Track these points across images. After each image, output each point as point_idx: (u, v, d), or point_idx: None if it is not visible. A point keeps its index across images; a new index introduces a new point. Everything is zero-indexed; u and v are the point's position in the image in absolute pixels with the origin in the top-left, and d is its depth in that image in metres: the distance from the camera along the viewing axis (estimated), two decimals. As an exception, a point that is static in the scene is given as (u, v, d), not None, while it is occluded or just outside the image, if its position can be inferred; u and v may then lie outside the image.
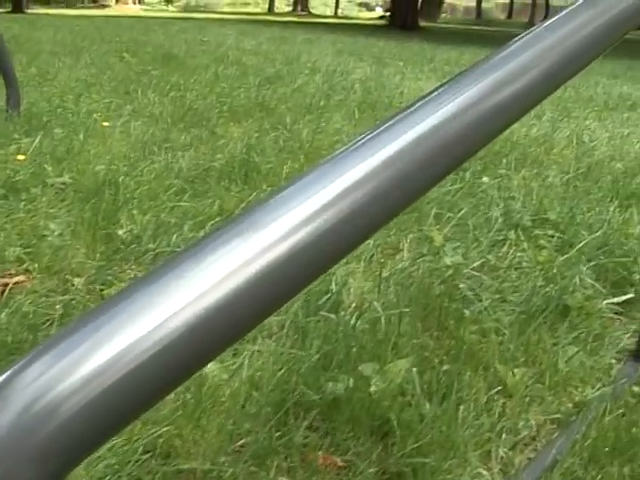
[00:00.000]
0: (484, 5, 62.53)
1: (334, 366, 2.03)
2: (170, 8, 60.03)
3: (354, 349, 2.10)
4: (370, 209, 0.57)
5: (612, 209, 3.66)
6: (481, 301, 2.49)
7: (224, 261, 0.49)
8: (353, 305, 2.48)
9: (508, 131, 5.03)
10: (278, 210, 0.53)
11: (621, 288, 2.75)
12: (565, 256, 2.91)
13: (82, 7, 49.34)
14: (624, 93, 9.04)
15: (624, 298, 2.66)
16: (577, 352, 2.19)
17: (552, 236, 3.20)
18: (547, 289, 2.61)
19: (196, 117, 5.53)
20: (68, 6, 48.80)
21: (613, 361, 2.28)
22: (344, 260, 2.84)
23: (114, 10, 45.31)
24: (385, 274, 2.73)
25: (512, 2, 60.41)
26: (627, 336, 2.43)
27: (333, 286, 2.51)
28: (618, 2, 0.95)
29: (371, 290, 2.60)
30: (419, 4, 34.35)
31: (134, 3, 56.07)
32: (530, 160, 4.63)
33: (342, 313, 2.39)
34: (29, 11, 33.70)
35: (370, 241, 3.03)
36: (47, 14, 29.88)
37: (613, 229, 3.30)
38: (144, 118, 5.43)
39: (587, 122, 6.58)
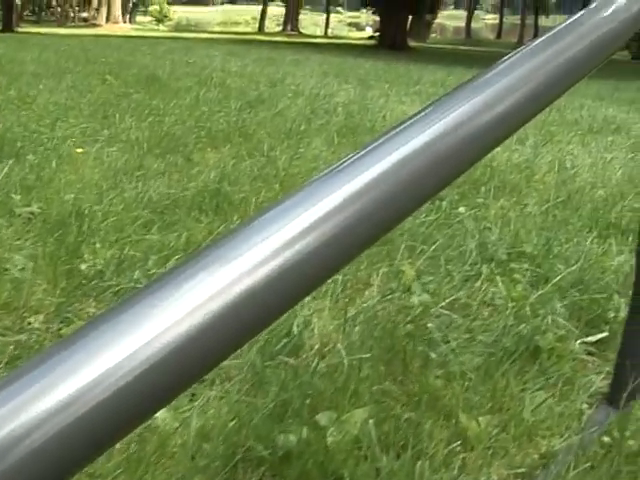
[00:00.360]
0: (474, 25, 62.75)
1: (290, 415, 1.94)
2: (161, 27, 60.08)
3: (312, 397, 2.01)
4: (342, 240, 0.54)
5: (590, 240, 3.59)
6: (449, 342, 2.40)
7: (188, 296, 0.46)
8: (316, 347, 2.39)
9: (489, 157, 4.97)
10: (246, 242, 0.50)
11: (596, 326, 2.66)
12: (539, 292, 2.83)
13: (73, 26, 49.31)
14: (609, 116, 8.99)
15: (598, 337, 2.58)
16: (546, 399, 2.10)
17: (527, 270, 3.12)
18: (519, 328, 2.52)
19: (173, 143, 5.45)
20: (59, 25, 48.81)
21: (584, 406, 2.19)
22: (311, 296, 2.76)
23: (105, 29, 45.26)
24: (352, 312, 2.64)
25: (501, 22, 60.66)
26: (600, 378, 2.35)
27: (295, 328, 2.42)
28: (602, 25, 0.91)
29: (337, 330, 2.51)
30: (408, 24, 34.41)
31: (125, 22, 56.12)
32: (510, 188, 4.55)
33: (304, 355, 2.31)
34: (20, 30, 33.63)
35: (339, 276, 2.94)
36: (38, 33, 29.82)
37: (590, 262, 3.22)
38: (120, 144, 5.35)
39: (570, 146, 6.53)
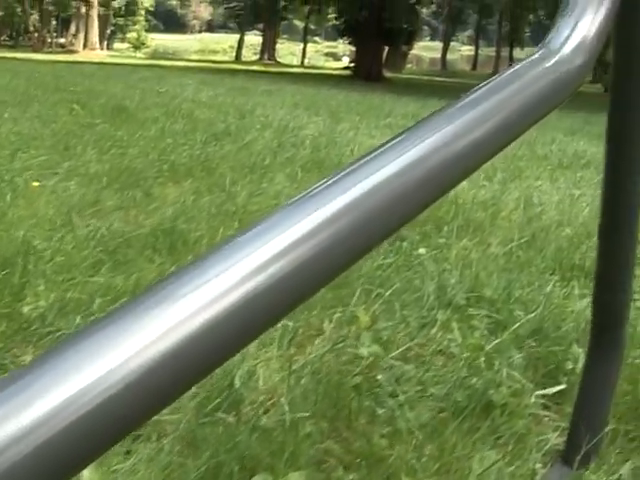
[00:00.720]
0: (449, 57, 63.20)
1: (222, 479, 1.83)
2: (138, 55, 60.14)
3: (248, 458, 1.90)
4: (294, 280, 0.51)
5: (553, 283, 3.51)
6: (398, 396, 2.30)
7: (132, 336, 0.44)
8: (259, 400, 2.28)
9: (454, 194, 4.89)
10: (195, 281, 0.48)
11: (553, 378, 2.57)
12: (496, 341, 2.73)
13: (50, 52, 49.18)
14: (579, 150, 8.99)
15: (555, 390, 2.48)
16: (495, 462, 1.99)
17: (486, 316, 3.02)
18: (472, 381, 2.42)
19: (133, 176, 5.34)
20: (36, 50, 48.67)
21: (538, 466, 2.09)
22: (257, 344, 2.65)
23: (81, 56, 45.18)
24: (301, 362, 2.54)
25: (477, 54, 61.15)
26: (556, 435, 2.25)
27: (237, 380, 2.31)
28: (543, 77, 0.84)
29: (282, 382, 2.40)
30: (384, 55, 34.57)
31: (102, 49, 56.10)
32: (474, 226, 4.47)
33: (245, 410, 2.19)
34: (-4, 54, 33.46)
35: (290, 322, 2.84)
36: (14, 58, 29.59)
37: (551, 308, 3.14)
38: (79, 177, 5.23)
39: (539, 182, 6.48)
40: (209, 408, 2.15)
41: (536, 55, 0.93)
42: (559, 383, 2.52)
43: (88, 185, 4.99)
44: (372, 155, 0.63)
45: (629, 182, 1.78)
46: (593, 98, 28.00)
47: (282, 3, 50.13)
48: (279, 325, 2.83)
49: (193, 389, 2.28)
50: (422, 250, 3.78)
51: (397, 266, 3.53)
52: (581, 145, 9.63)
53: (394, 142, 0.66)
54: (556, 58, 0.93)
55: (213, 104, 11.35)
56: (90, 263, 3.39)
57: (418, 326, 2.89)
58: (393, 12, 31.72)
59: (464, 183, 5.85)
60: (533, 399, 2.39)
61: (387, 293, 3.16)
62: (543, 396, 2.45)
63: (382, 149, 0.64)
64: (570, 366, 2.58)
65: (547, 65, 0.91)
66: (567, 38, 0.94)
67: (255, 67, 39.15)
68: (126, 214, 4.37)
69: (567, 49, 0.93)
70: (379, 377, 2.42)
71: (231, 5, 56.48)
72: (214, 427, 2.07)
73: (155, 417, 1.72)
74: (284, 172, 5.77)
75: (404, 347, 2.69)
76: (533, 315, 2.97)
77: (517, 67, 0.91)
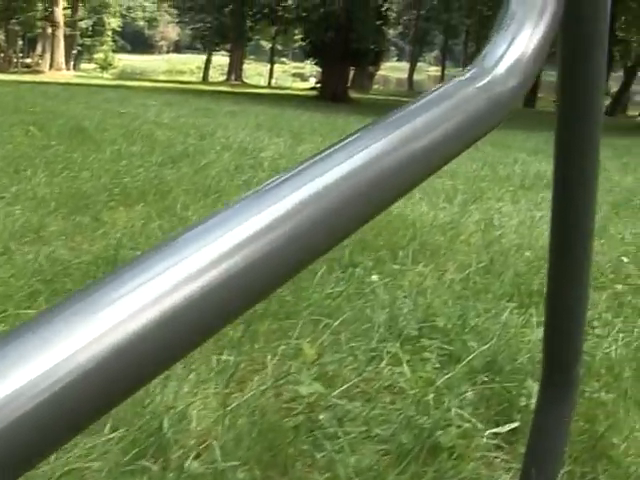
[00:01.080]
0: (416, 77, 63.41)
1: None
2: (105, 75, 59.87)
3: (171, 514, 1.74)
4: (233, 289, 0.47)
5: (510, 310, 3.39)
6: (339, 438, 2.15)
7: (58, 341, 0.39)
8: (190, 444, 2.12)
9: (412, 217, 4.77)
10: (134, 280, 0.43)
11: (506, 415, 2.44)
12: (447, 376, 2.60)
13: (16, 72, 48.76)
14: (542, 171, 8.92)
15: (508, 428, 2.35)
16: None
17: (438, 347, 2.89)
18: (420, 420, 2.28)
19: (83, 200, 5.17)
20: (1, 71, 48.23)
21: (486, 513, 1.95)
22: (194, 381, 2.50)
23: (47, 76, 44.84)
24: (240, 400, 2.39)
25: (443, 74, 61.41)
26: (508, 478, 2.12)
27: (166, 422, 2.15)
28: (504, 79, 0.75)
29: (217, 424, 2.25)
30: (350, 76, 34.60)
31: (68, 69, 55.75)
32: (431, 251, 4.35)
33: (174, 456, 2.04)
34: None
35: (230, 357, 2.69)
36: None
37: (506, 337, 3.01)
38: (26, 202, 5.05)
39: (500, 204, 6.39)
40: (133, 454, 2.00)
41: (467, 74, 0.80)
42: (512, 421, 2.39)
43: (34, 210, 4.81)
44: (272, 184, 0.56)
45: (580, 205, 1.63)
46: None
47: (248, 24, 50.17)
48: (220, 359, 2.69)
49: (119, 432, 2.13)
50: (375, 277, 3.64)
51: (348, 294, 3.39)
52: (543, 165, 9.57)
53: (302, 167, 0.59)
54: (488, 78, 0.80)
55: (174, 125, 11.19)
56: (26, 294, 3.22)
57: (366, 359, 2.75)
58: (360, 33, 31.77)
59: (424, 206, 5.75)
60: (484, 439, 2.26)
61: (336, 323, 3.02)
62: (495, 435, 2.31)
63: (288, 175, 0.57)
64: (524, 402, 2.45)
65: (478, 85, 0.79)
66: (502, 56, 0.82)
67: (222, 88, 39.02)
68: (70, 240, 4.20)
69: (501, 68, 0.80)
70: (321, 417, 2.27)
71: (196, 26, 56.40)
72: (139, 476, 1.91)
73: (78, 463, 1.52)
74: (239, 195, 5.61)
75: (350, 383, 2.55)
76: (487, 347, 2.84)
77: (444, 87, 0.78)
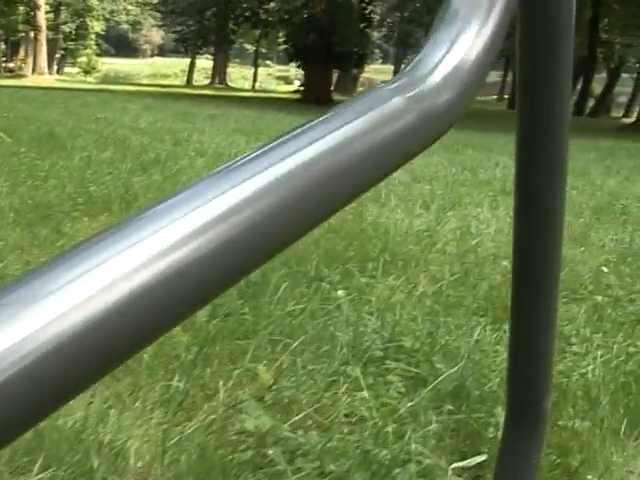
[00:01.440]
0: (401, 79, 63.07)
1: None
2: (88, 79, 59.53)
3: None
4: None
5: (482, 327, 3.21)
6: (288, 478, 1.97)
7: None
8: (126, 485, 1.94)
9: (384, 225, 4.59)
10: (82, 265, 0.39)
11: (474, 446, 2.26)
12: (411, 403, 2.42)
13: (1, 77, 48.38)
14: (523, 176, 8.77)
15: (475, 462, 2.17)
16: None
17: (404, 370, 2.71)
18: (378, 455, 2.10)
19: (45, 211, 4.96)
20: (-18, 75, 47.89)
21: None
22: (138, 411, 2.32)
23: (29, 80, 44.49)
24: (185, 433, 2.20)
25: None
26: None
27: (96, 462, 1.97)
28: (438, 89, 0.61)
29: (158, 460, 2.06)
30: (334, 79, 34.46)
31: (50, 74, 55.40)
32: (403, 262, 4.17)
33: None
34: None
35: (180, 383, 2.51)
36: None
37: (477, 358, 2.84)
38: (-16, 212, 4.85)
39: (478, 210, 6.22)
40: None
41: (394, 83, 0.63)
42: (479, 453, 2.21)
43: (-9, 221, 4.62)
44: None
45: (545, 225, 1.43)
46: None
47: (231, 27, 49.95)
48: (168, 385, 2.51)
49: (49, 471, 1.95)
50: (341, 292, 3.46)
51: (311, 311, 3.21)
52: (526, 169, 9.42)
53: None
54: (419, 88, 0.63)
55: (150, 130, 10.99)
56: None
57: (326, 384, 2.57)
58: (342, 36, 31.61)
59: (399, 213, 5.58)
60: (449, 475, 2.08)
61: (296, 343, 2.84)
62: (462, 469, 2.14)
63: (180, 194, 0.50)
64: (492, 433, 2.27)
65: (405, 96, 0.61)
66: (438, 62, 0.64)
67: (205, 91, 38.82)
68: (27, 254, 4.01)
69: (436, 77, 0.63)
70: (271, 452, 2.09)
71: (179, 29, 56.13)
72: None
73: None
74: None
75: (306, 411, 2.36)
76: (455, 369, 2.66)
77: (363, 98, 0.61)
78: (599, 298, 3.87)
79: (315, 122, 0.56)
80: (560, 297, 3.75)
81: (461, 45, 0.65)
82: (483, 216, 5.92)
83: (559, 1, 1.09)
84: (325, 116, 0.56)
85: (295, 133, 0.53)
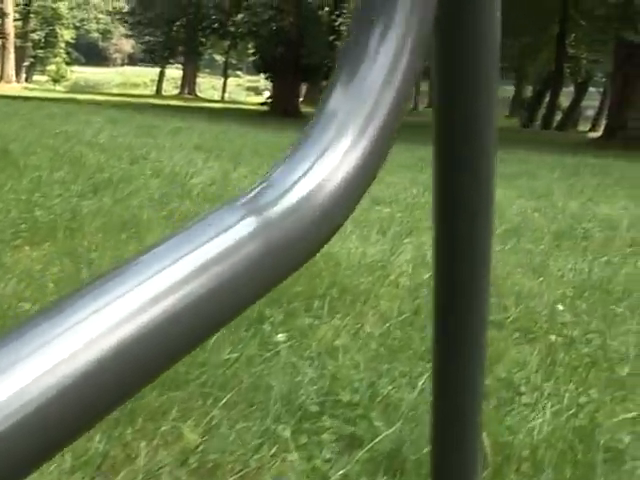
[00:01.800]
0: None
1: None
2: (57, 88, 59.04)
3: None
4: None
5: (428, 375, 3.07)
6: None
7: None
8: None
9: (336, 256, 4.44)
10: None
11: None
12: (342, 470, 2.27)
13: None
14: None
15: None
16: None
17: (339, 427, 2.56)
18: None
19: (-16, 238, 4.78)
20: (-52, 83, 47.31)
21: None
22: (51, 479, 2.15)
23: (-5, 89, 43.98)
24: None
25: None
26: None
27: None
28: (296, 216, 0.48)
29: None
30: (303, 91, 34.36)
31: (18, 82, 54.88)
32: (352, 298, 4.03)
33: None
34: None
35: (100, 444, 2.34)
36: None
37: (419, 412, 2.69)
38: None
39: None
40: None
41: (237, 201, 0.49)
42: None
43: None
44: None
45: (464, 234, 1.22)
46: (509, 134, 28.08)
47: (199, 38, 49.80)
48: (91, 446, 2.34)
49: None
50: (281, 336, 3.30)
51: (248, 358, 3.05)
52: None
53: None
54: (271, 212, 0.49)
55: (109, 147, 10.77)
56: None
57: (255, 445, 2.41)
58: (311, 48, 31.51)
59: (354, 241, 5.43)
60: None
61: (228, 396, 2.68)
62: None
63: None
64: (426, 505, 2.13)
65: (251, 223, 0.48)
66: (301, 177, 0.50)
67: (173, 102, 38.57)
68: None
69: (291, 198, 0.49)
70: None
71: (146, 40, 55.84)
72: None
73: None
74: (158, 231, 5.25)
75: (231, 478, 2.21)
76: (393, 430, 2.52)
77: (198, 224, 0.48)
78: (553, 338, 3.75)
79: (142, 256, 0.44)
80: (513, 337, 3.63)
81: (330, 160, 0.51)
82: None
83: (480, 14, 0.92)
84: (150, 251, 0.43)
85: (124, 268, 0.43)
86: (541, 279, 4.87)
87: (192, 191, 7.09)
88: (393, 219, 6.62)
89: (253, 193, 0.48)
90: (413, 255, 5.22)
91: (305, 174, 0.49)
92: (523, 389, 3.06)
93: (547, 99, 36.78)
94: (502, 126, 38.21)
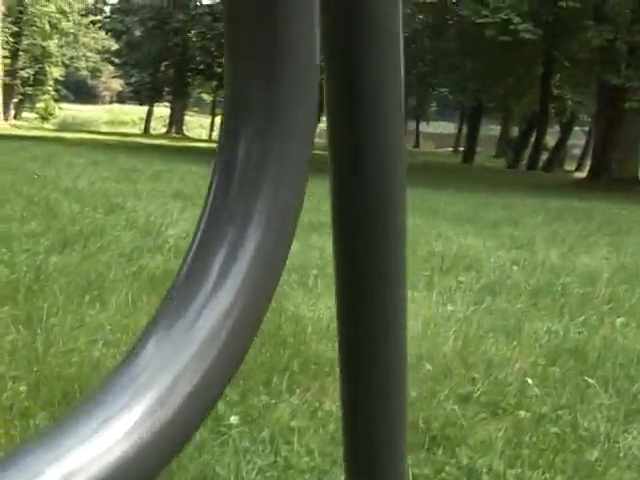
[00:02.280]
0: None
1: None
2: (45, 125, 59.05)
3: None
4: None
5: None
6: None
7: None
8: None
9: (306, 320, 4.30)
10: None
11: None
12: None
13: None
14: (464, 246, 8.59)
15: None
16: None
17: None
18: None
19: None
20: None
21: None
22: None
23: (-18, 127, 43.86)
24: None
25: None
26: None
27: None
28: None
29: None
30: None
31: (6, 119, 54.83)
32: (315, 369, 3.90)
33: None
34: None
35: None
36: None
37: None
38: None
39: (414, 295, 5.96)
40: None
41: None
42: None
43: None
44: None
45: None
46: (494, 176, 28.11)
47: (186, 79, 50.08)
48: None
49: None
50: (234, 419, 3.17)
51: (199, 443, 2.92)
52: (468, 240, 9.22)
53: None
54: None
55: (87, 194, 10.65)
56: None
57: None
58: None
59: (325, 300, 5.31)
60: None
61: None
62: None
63: None
64: None
65: None
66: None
67: (161, 141, 38.52)
68: None
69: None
70: None
71: (132, 80, 56.10)
72: None
73: None
74: (125, 292, 5.11)
75: None
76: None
77: None
78: (522, 414, 3.63)
79: None
80: (479, 416, 3.50)
81: None
82: (416, 302, 5.67)
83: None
84: None
85: None
86: (514, 343, 4.75)
87: (165, 245, 6.97)
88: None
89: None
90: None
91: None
92: (485, 478, 2.93)
93: (533, 139, 36.93)
94: (488, 167, 38.37)
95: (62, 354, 3.89)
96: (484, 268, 7.33)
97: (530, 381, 3.99)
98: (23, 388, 3.44)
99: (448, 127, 60.47)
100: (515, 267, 7.62)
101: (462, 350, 4.49)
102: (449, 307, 5.61)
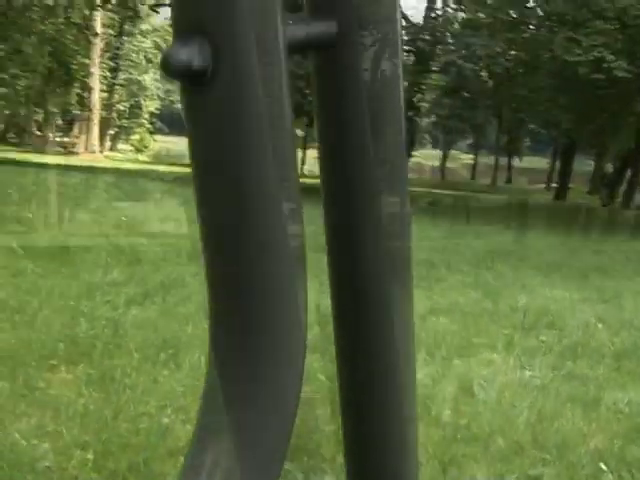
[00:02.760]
0: (450, 165, 62.93)
1: None
2: (140, 157, 60.37)
3: None
4: None
5: None
6: None
7: None
8: None
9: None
10: None
11: None
12: None
13: (52, 152, 48.88)
14: (549, 299, 8.38)
15: None
16: None
17: None
18: None
19: (14, 361, 4.71)
20: (36, 150, 48.30)
21: None
22: None
23: (79, 158, 44.96)
24: None
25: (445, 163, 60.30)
26: None
27: None
28: None
29: None
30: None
31: (102, 151, 56.21)
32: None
33: None
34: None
35: None
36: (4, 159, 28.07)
37: None
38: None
39: (493, 357, 5.85)
40: None
41: None
42: None
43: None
44: None
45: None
46: (588, 214, 27.45)
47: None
48: None
49: None
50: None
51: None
52: (554, 291, 8.98)
53: None
54: None
55: (173, 235, 10.80)
56: None
57: None
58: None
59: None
60: None
61: None
62: None
63: None
64: None
65: None
66: None
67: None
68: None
69: None
70: None
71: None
72: None
73: None
74: (196, 353, 5.07)
75: None
76: None
77: None
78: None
79: None
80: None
81: None
82: (493, 367, 5.54)
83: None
84: None
85: None
86: (592, 417, 4.59)
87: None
88: (443, 336, 6.39)
89: None
90: (458, 386, 5.00)
91: None
92: None
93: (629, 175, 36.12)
94: (581, 204, 37.49)
95: (132, 419, 3.91)
96: (567, 326, 7.12)
97: (604, 467, 3.84)
98: (90, 457, 3.47)
99: (541, 162, 59.54)
100: (600, 325, 7.39)
101: (536, 424, 4.36)
102: (527, 372, 5.46)
